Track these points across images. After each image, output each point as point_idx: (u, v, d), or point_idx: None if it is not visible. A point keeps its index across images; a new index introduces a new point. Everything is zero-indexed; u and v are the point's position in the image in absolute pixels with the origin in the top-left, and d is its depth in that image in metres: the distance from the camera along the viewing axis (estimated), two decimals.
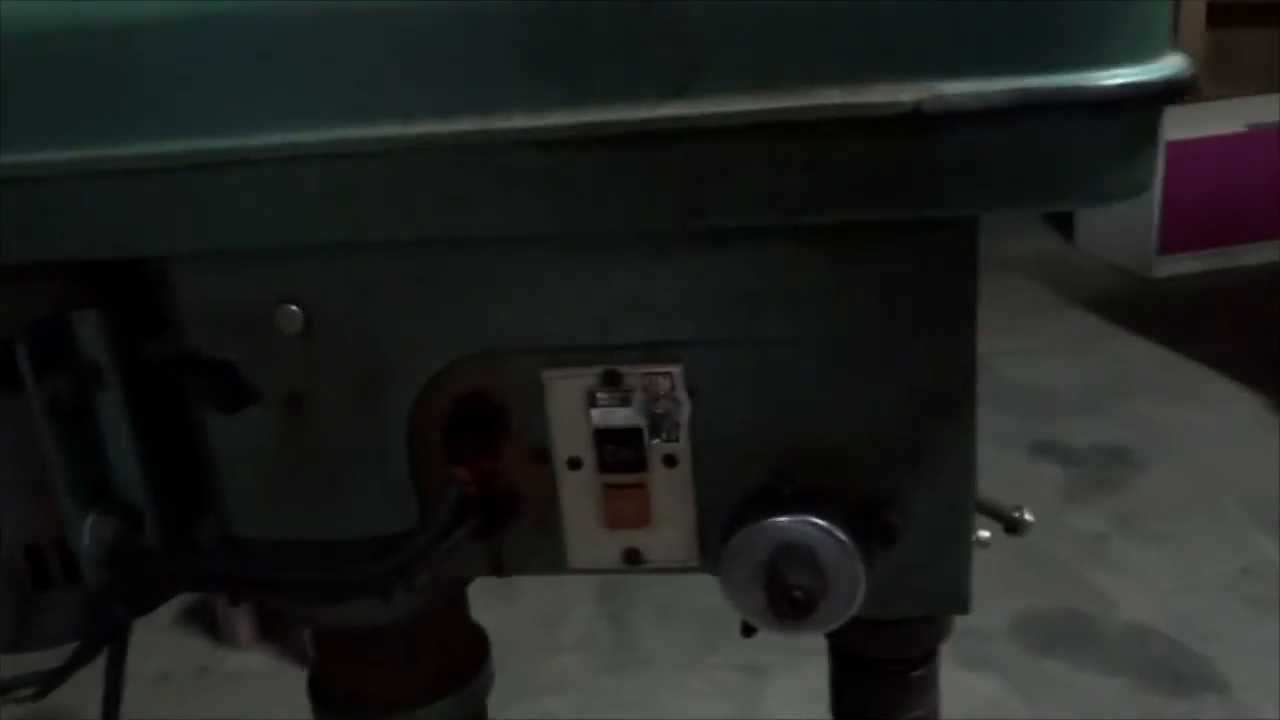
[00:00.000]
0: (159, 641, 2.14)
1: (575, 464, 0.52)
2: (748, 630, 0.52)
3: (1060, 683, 1.73)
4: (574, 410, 0.51)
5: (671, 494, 0.52)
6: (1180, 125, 2.97)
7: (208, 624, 2.16)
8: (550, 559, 0.55)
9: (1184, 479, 2.24)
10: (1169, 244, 3.13)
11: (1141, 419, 2.45)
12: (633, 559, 0.53)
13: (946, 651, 0.59)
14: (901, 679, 0.58)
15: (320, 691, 0.62)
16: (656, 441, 0.51)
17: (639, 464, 0.52)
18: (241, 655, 2.11)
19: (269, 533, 0.55)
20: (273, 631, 2.15)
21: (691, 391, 0.50)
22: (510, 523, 0.54)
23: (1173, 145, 2.94)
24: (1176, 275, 3.15)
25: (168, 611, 2.23)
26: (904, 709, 0.58)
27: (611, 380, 0.50)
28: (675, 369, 0.50)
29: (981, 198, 0.41)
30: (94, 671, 0.56)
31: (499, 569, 0.56)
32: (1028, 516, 0.62)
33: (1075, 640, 1.82)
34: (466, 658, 0.64)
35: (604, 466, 0.52)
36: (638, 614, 2.07)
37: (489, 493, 0.53)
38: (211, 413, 0.53)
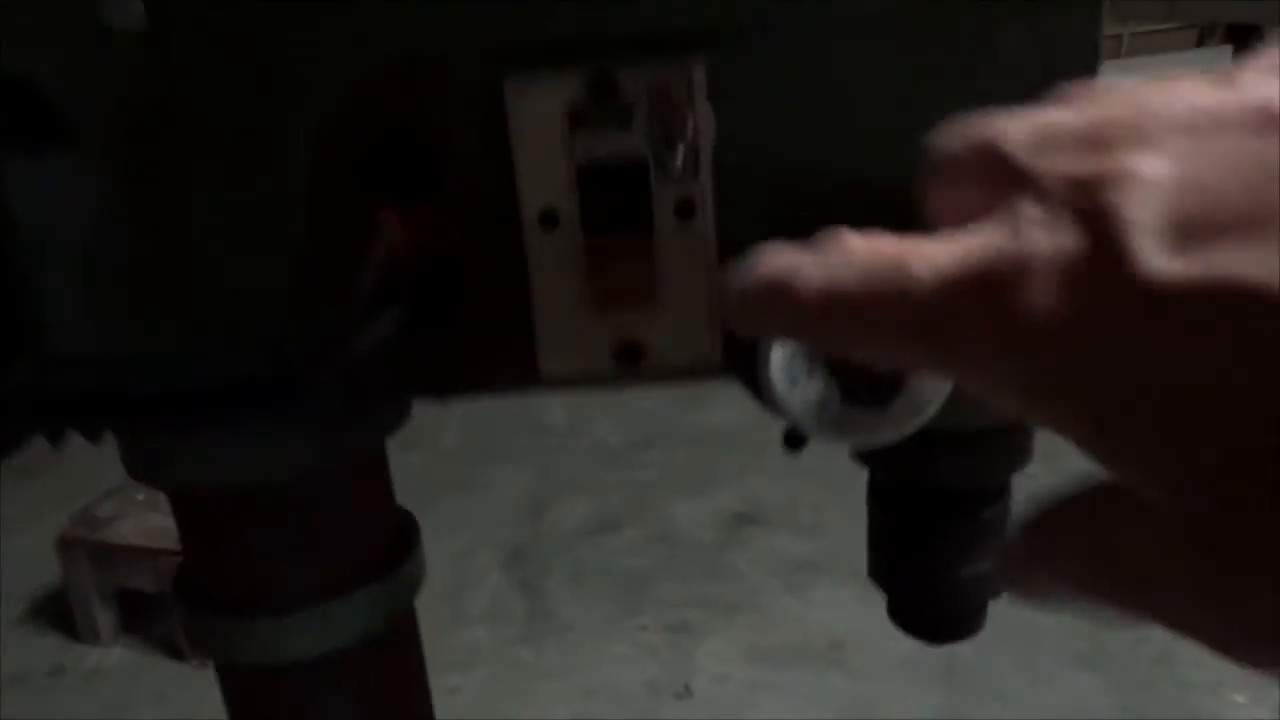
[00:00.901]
0: (7, 640, 1.88)
1: (549, 219, 0.37)
2: (793, 441, 0.38)
3: None
4: (548, 138, 0.36)
5: (685, 257, 0.37)
6: None
7: (62, 619, 1.91)
8: (513, 364, 0.39)
9: None
10: None
11: None
12: (631, 355, 0.39)
13: None
14: (967, 518, 0.45)
15: (190, 588, 0.45)
16: (665, 180, 0.36)
17: (641, 214, 0.37)
18: (101, 652, 1.87)
19: (105, 347, 0.38)
20: (136, 624, 1.92)
21: (716, 103, 0.36)
22: (456, 310, 0.38)
23: None
24: None
25: (16, 607, 1.97)
26: (966, 558, 0.45)
27: (603, 88, 0.36)
28: (695, 68, 0.35)
29: None
30: None
31: (443, 384, 0.40)
32: None
33: None
34: (389, 540, 0.48)
35: (591, 220, 0.37)
36: (552, 581, 1.92)
37: (426, 262, 0.37)
38: (10, 163, 0.36)
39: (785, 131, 0.36)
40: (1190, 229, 0.16)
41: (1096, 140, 0.19)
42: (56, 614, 1.90)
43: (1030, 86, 0.27)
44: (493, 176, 0.37)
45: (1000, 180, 0.19)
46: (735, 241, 0.35)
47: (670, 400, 2.61)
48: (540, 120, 0.36)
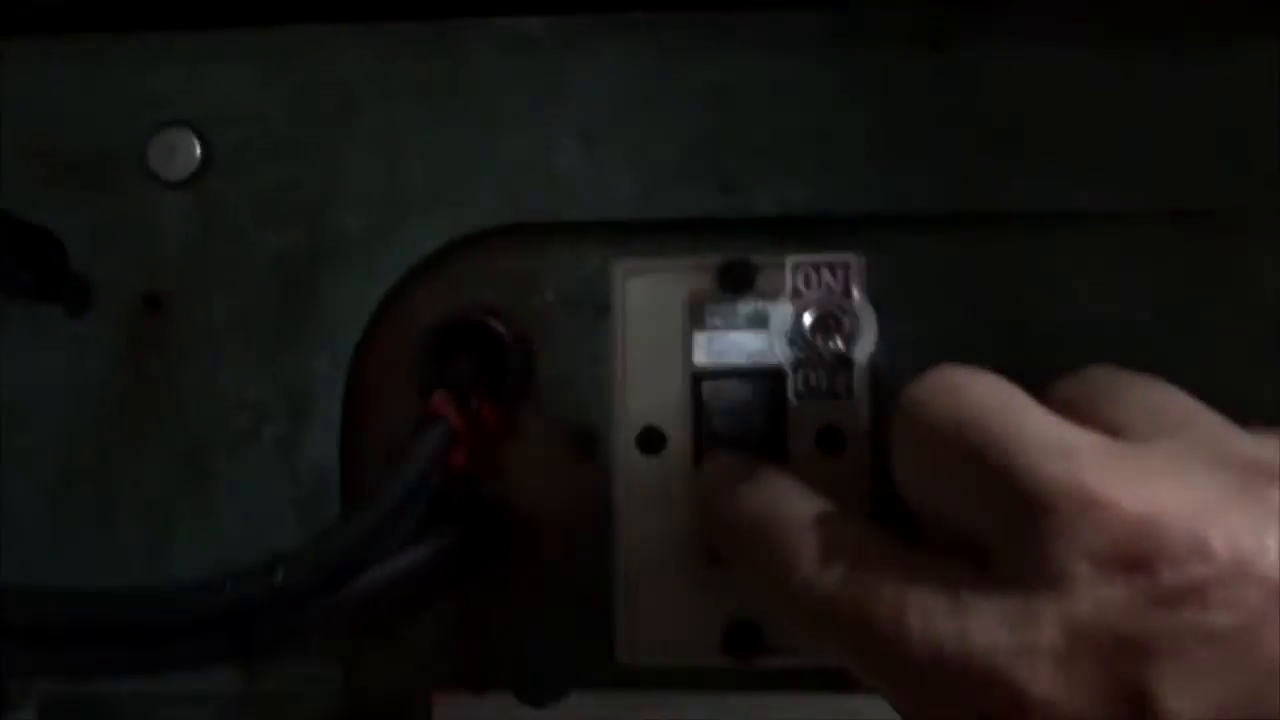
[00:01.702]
0: None
1: (652, 441, 0.28)
2: None
3: None
4: (661, 335, 0.28)
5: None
6: None
7: None
8: (578, 646, 0.29)
9: None
10: None
11: None
12: (745, 641, 0.28)
13: None
14: None
15: None
16: (807, 398, 0.28)
17: (774, 440, 0.28)
18: None
19: (80, 551, 0.29)
20: None
21: (876, 303, 0.28)
22: (512, 551, 0.28)
23: None
24: None
25: None
26: None
27: (737, 277, 0.28)
28: (851, 259, 0.28)
29: None
30: None
31: (478, 675, 0.29)
32: None
33: None
34: None
35: (708, 444, 0.28)
36: None
37: (482, 475, 0.28)
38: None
39: (958, 346, 0.28)
40: None
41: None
42: None
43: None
44: (575, 409, 0.29)
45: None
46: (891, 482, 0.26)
47: None
48: (653, 316, 0.28)
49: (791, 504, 0.22)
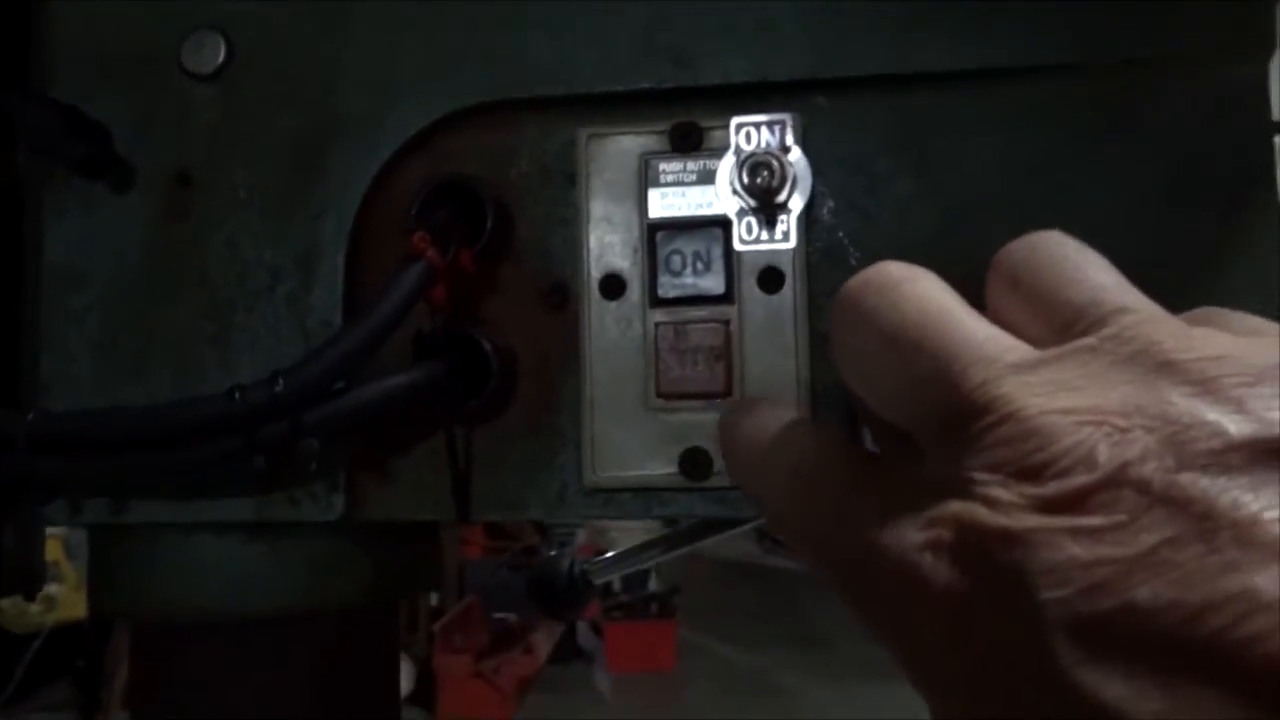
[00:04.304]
0: None
1: (613, 286, 0.32)
2: None
3: None
4: (621, 194, 0.32)
5: (768, 339, 0.31)
6: None
7: None
8: (554, 471, 0.32)
9: None
10: None
11: None
12: (696, 466, 0.31)
13: None
14: None
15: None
16: (750, 243, 0.31)
17: (719, 286, 0.31)
18: None
19: (121, 393, 0.33)
20: None
21: (813, 162, 0.31)
22: (500, 387, 0.32)
23: None
24: None
25: None
26: None
27: (687, 138, 0.32)
28: (788, 117, 0.31)
29: None
30: None
31: (465, 502, 0.33)
32: None
33: None
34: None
35: (661, 289, 0.31)
36: None
37: (468, 322, 0.32)
38: (54, 202, 0.34)
39: (890, 200, 0.31)
40: None
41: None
42: None
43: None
44: (550, 262, 0.32)
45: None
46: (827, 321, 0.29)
47: None
48: (614, 171, 0.32)
49: (774, 428, 0.24)
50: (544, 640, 3.10)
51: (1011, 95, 0.30)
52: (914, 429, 0.20)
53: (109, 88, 0.34)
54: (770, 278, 0.31)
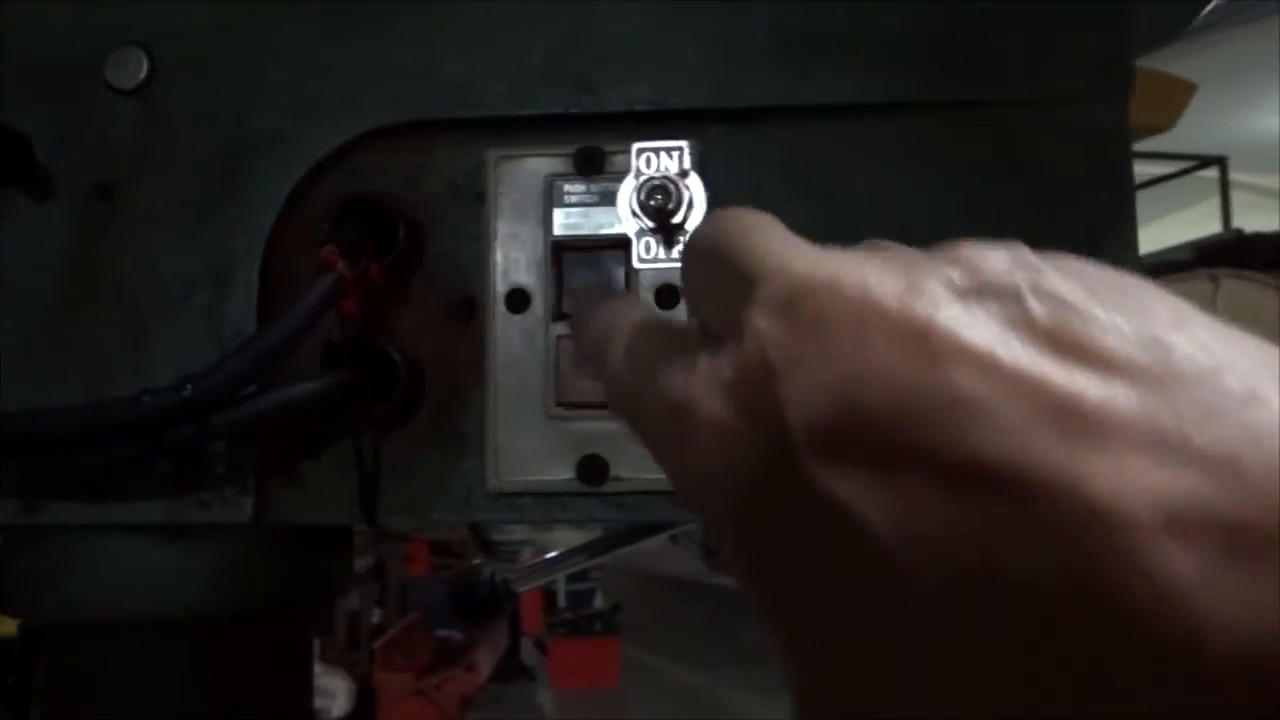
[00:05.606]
0: None
1: (518, 300, 0.33)
2: None
3: None
4: (526, 210, 0.33)
5: None
6: None
7: None
8: (459, 476, 0.33)
9: None
10: None
11: None
12: (594, 472, 0.32)
13: None
14: None
15: None
16: (649, 262, 0.33)
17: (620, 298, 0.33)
18: None
19: (34, 398, 0.34)
20: None
21: (706, 179, 0.33)
22: (408, 395, 0.33)
23: None
24: None
25: None
26: None
27: (588, 159, 0.33)
28: (685, 144, 0.33)
29: None
30: None
31: (372, 506, 0.34)
32: None
33: None
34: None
35: (563, 303, 0.33)
36: None
37: (375, 332, 0.33)
38: None
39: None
40: None
41: None
42: None
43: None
44: (459, 277, 0.34)
45: None
46: None
47: None
48: (520, 194, 0.33)
49: (618, 316, 0.25)
50: (486, 657, 3.09)
51: (892, 129, 0.33)
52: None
53: (32, 98, 0.35)
54: (667, 294, 0.33)
